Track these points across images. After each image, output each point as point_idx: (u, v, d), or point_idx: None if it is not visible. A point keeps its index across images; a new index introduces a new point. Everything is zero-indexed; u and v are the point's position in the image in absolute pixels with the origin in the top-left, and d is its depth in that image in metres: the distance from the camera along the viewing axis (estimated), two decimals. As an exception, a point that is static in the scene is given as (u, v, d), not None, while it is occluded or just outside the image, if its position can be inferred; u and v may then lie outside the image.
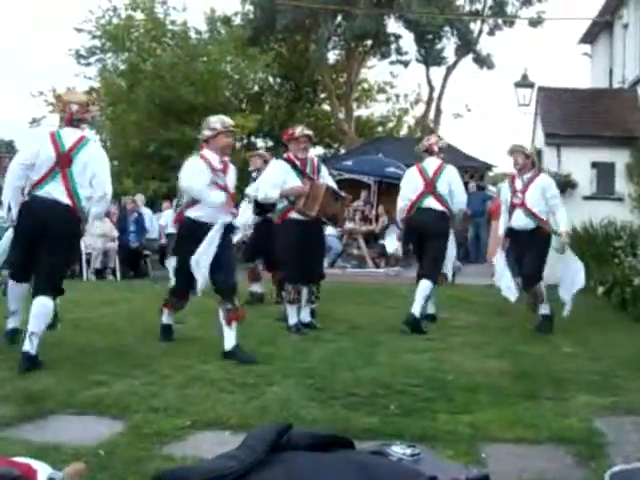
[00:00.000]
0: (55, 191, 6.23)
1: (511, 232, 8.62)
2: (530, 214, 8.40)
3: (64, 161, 6.27)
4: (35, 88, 38.73)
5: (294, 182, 7.91)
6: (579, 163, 14.19)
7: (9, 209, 6.42)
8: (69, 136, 6.40)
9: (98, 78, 26.25)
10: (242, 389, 5.43)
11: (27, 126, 29.76)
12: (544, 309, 8.43)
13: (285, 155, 8.24)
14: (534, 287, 8.42)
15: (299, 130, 8.23)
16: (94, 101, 6.82)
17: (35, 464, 1.24)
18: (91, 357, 6.40)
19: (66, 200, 6.24)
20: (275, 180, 7.93)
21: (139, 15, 25.54)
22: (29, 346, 5.95)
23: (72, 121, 6.49)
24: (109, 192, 6.51)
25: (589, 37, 20.12)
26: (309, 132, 8.29)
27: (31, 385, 5.40)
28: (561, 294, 8.51)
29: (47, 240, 6.17)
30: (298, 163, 8.01)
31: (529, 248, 8.38)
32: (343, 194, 8.41)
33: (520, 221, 8.47)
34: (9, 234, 6.67)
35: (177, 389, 5.41)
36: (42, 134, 6.65)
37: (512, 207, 8.55)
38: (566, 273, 8.59)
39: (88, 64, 26.49)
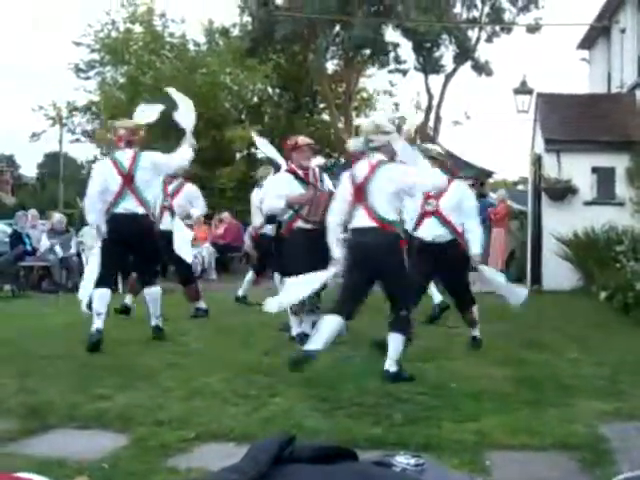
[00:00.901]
0: (130, 205, 7.69)
1: (422, 245, 7.62)
2: (445, 223, 7.57)
3: (127, 180, 7.70)
4: (35, 102, 38.80)
5: (298, 191, 7.93)
6: (579, 168, 14.18)
7: (98, 228, 7.83)
8: (125, 157, 7.85)
9: (98, 91, 26.33)
10: (246, 400, 5.42)
11: (27, 140, 29.85)
12: (475, 331, 7.83)
13: (287, 167, 8.28)
14: (469, 312, 7.78)
15: (301, 139, 8.30)
16: (141, 126, 8.37)
17: (39, 479, 1.24)
18: (94, 370, 6.39)
19: (141, 210, 7.74)
20: (279, 191, 7.95)
21: (138, 28, 25.64)
22: (155, 322, 8.13)
23: (123, 143, 7.97)
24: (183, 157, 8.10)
25: (587, 42, 20.15)
26: (311, 141, 8.39)
27: (34, 399, 5.39)
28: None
29: (137, 246, 7.82)
30: (300, 173, 8.04)
31: (450, 271, 7.63)
32: None
33: (433, 231, 7.60)
34: (92, 267, 7.97)
35: (181, 401, 5.41)
36: (105, 163, 8.19)
37: (423, 216, 7.65)
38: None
39: (87, 78, 26.60)
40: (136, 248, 7.87)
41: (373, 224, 6.18)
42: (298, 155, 8.12)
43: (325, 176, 8.46)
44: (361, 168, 6.36)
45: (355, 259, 6.32)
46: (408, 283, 6.40)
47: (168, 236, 9.43)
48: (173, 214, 9.85)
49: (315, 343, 6.21)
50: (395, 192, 6.23)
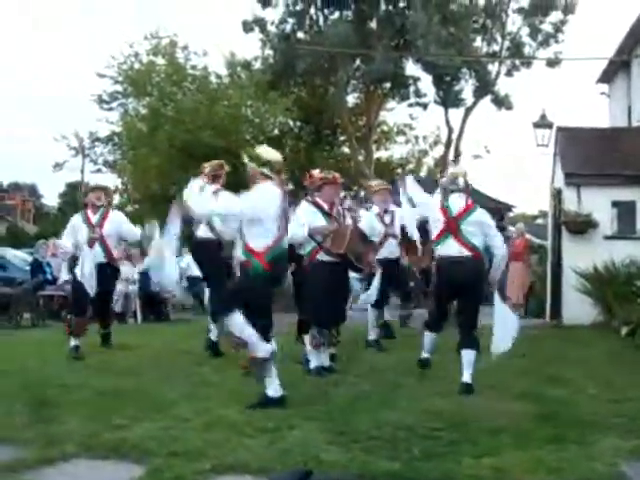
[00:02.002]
0: (201, 232, 8.72)
1: None
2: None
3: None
4: (58, 133, 39.19)
5: (321, 223, 7.95)
6: (599, 202, 14.11)
7: None
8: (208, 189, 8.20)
9: (120, 122, 26.61)
10: (262, 433, 5.39)
11: (50, 170, 30.18)
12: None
13: (311, 199, 8.28)
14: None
15: (338, 175, 8.37)
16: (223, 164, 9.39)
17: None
18: (112, 400, 6.38)
19: (211, 236, 8.42)
20: (302, 220, 7.96)
21: (160, 60, 25.94)
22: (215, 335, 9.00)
23: (209, 179, 8.76)
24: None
25: (607, 76, 20.17)
26: None
27: (52, 428, 5.40)
28: None
29: (207, 269, 9.12)
30: (325, 206, 8.04)
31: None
32: (370, 239, 8.43)
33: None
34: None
35: (197, 433, 5.38)
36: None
37: None
38: None
39: (110, 109, 26.91)
40: (206, 271, 9.12)
41: (467, 253, 7.25)
42: (331, 190, 8.11)
43: (347, 212, 8.44)
44: (456, 203, 7.43)
45: (448, 282, 7.40)
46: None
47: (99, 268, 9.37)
48: (104, 246, 9.66)
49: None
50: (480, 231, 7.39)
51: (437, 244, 7.44)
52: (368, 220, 9.47)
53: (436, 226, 7.47)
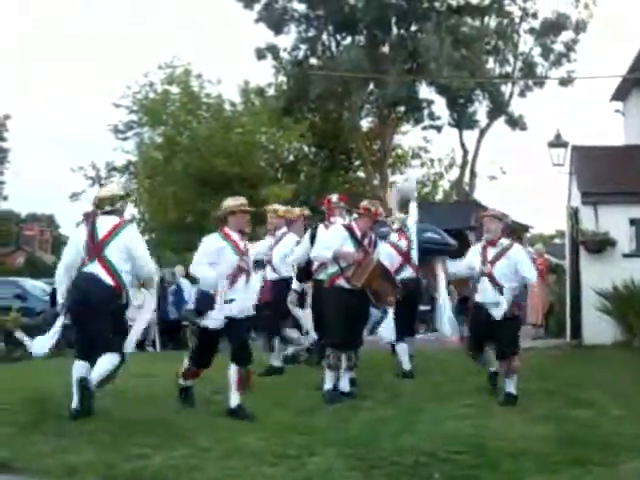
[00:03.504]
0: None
1: None
2: None
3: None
4: (75, 163, 39.50)
5: (349, 249, 7.93)
6: (617, 220, 14.02)
7: None
8: None
9: (135, 152, 26.80)
10: (283, 460, 5.36)
11: (67, 200, 30.39)
12: None
13: (347, 222, 8.29)
14: None
15: (381, 210, 8.37)
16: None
17: None
18: (130, 429, 6.36)
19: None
20: (331, 242, 7.98)
21: (175, 89, 26.14)
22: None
23: None
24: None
25: (621, 94, 20.10)
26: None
27: (71, 458, 5.39)
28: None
29: None
30: (359, 234, 8.04)
31: None
32: (395, 281, 8.35)
33: None
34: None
35: (217, 461, 5.36)
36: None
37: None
38: None
39: (126, 138, 27.11)
40: None
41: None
42: (367, 223, 8.15)
43: (380, 244, 8.42)
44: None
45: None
46: None
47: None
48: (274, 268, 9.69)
49: None
50: None
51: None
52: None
53: None
